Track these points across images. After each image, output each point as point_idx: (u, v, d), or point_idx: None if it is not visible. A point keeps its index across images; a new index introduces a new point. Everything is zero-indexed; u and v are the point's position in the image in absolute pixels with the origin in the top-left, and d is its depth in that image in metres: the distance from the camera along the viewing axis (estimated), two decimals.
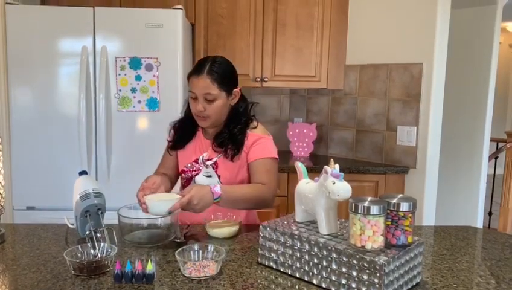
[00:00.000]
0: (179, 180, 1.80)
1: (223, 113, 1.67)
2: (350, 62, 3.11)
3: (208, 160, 1.69)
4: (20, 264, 1.25)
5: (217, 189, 1.47)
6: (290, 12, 3.02)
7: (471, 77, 3.66)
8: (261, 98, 3.49)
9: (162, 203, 1.40)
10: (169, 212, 1.40)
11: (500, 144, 4.28)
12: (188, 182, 1.72)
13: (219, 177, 1.67)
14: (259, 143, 1.67)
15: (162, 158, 1.84)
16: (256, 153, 1.66)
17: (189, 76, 1.64)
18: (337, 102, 3.25)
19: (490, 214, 4.40)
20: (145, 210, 1.42)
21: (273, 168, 1.69)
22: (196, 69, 1.62)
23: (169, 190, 1.66)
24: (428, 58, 2.78)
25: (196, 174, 1.70)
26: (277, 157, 1.71)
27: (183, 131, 1.76)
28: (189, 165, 1.72)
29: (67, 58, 2.48)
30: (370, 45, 3.02)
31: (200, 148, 1.73)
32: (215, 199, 1.46)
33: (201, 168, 1.70)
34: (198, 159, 1.70)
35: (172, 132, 1.79)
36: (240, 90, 1.70)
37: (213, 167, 1.68)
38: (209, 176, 1.68)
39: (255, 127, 1.71)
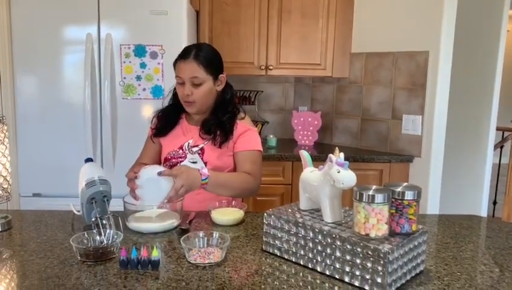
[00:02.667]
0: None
1: (209, 99, 1.69)
2: (355, 50, 3.09)
3: (193, 146, 1.69)
4: (27, 250, 1.26)
5: (205, 171, 1.51)
6: None
7: (477, 66, 3.62)
8: (265, 86, 3.48)
9: (155, 195, 1.45)
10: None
11: (506, 133, 4.26)
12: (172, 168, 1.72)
13: (205, 163, 1.68)
14: (247, 135, 1.71)
15: (144, 148, 1.84)
16: (243, 144, 1.70)
17: (176, 62, 1.67)
18: (342, 90, 3.23)
19: (495, 203, 4.40)
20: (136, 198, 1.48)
21: (258, 160, 1.73)
22: (182, 55, 1.66)
23: None
24: (435, 46, 2.75)
25: (181, 161, 1.70)
26: (262, 150, 1.75)
27: (167, 118, 1.77)
28: (173, 152, 1.72)
29: (71, 45, 2.48)
30: (375, 33, 2.99)
31: (185, 135, 1.73)
32: (203, 179, 1.49)
33: (187, 154, 1.70)
34: (183, 146, 1.71)
35: (155, 119, 1.80)
36: (225, 76, 1.73)
37: (199, 154, 1.69)
38: (195, 162, 1.69)
39: (243, 118, 1.75)
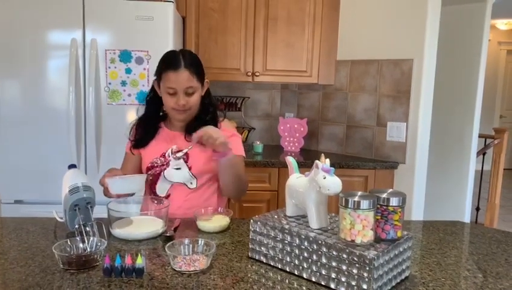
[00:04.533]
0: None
1: (198, 105, 1.69)
2: (341, 58, 3.12)
3: (177, 152, 1.67)
4: (8, 258, 1.24)
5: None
6: (281, 7, 3.01)
7: (460, 74, 3.69)
8: (252, 93, 3.48)
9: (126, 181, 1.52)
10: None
11: (488, 140, 4.34)
12: (156, 177, 1.69)
13: (190, 168, 1.67)
14: (233, 140, 1.69)
15: (124, 162, 1.80)
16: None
17: (163, 72, 1.61)
18: (328, 97, 3.26)
19: (478, 209, 4.46)
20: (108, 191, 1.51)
21: (243, 166, 1.75)
22: (171, 64, 1.60)
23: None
24: (419, 54, 2.79)
25: (164, 169, 1.68)
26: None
27: (146, 128, 1.73)
28: (155, 160, 1.69)
29: (56, 50, 2.45)
30: (361, 41, 3.03)
31: (168, 142, 1.70)
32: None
33: (169, 161, 1.68)
34: (165, 153, 1.68)
35: (133, 131, 1.75)
36: (208, 81, 1.74)
37: (184, 159, 1.67)
38: (179, 168, 1.67)
39: (222, 120, 1.76)
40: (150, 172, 1.70)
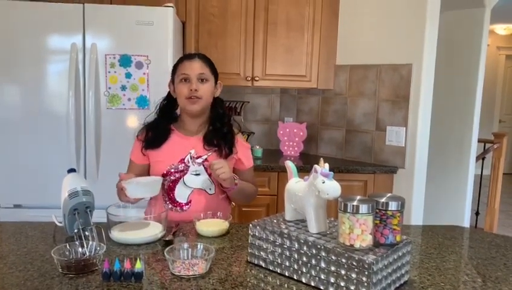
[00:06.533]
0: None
1: (210, 99, 1.73)
2: (340, 62, 3.12)
3: (197, 157, 1.68)
4: (6, 262, 1.23)
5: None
6: (281, 11, 3.03)
7: (459, 78, 3.70)
8: (252, 97, 3.49)
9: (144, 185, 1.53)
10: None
11: (488, 145, 4.34)
12: (174, 183, 1.68)
13: (209, 175, 1.67)
14: (248, 152, 1.82)
15: (128, 170, 1.75)
16: (247, 161, 1.81)
17: (178, 63, 1.72)
18: (327, 102, 3.26)
19: (477, 214, 4.46)
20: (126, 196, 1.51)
21: (253, 175, 1.88)
22: (186, 56, 1.74)
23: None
24: (418, 59, 2.80)
25: (183, 174, 1.67)
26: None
27: (158, 129, 1.72)
28: (174, 165, 1.68)
29: (56, 55, 2.46)
30: (360, 46, 3.04)
31: (183, 145, 1.69)
32: (235, 179, 1.63)
33: (189, 166, 1.67)
34: (184, 159, 1.67)
35: (143, 131, 1.74)
36: (221, 84, 1.80)
37: (203, 165, 1.67)
38: (198, 174, 1.67)
39: (238, 133, 1.80)
40: (167, 177, 1.68)
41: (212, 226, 1.49)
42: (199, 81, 1.66)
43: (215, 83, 1.74)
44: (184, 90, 1.66)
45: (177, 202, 1.68)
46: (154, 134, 1.71)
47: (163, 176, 1.68)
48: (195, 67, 1.67)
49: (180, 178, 1.68)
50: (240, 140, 1.78)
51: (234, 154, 1.71)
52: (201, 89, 1.66)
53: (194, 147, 1.68)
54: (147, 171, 1.74)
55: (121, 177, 1.55)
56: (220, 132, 1.70)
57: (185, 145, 1.69)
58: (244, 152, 1.78)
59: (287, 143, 3.28)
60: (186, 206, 1.68)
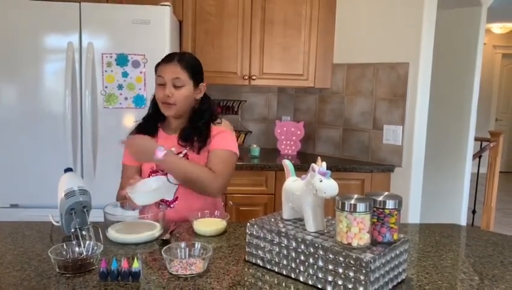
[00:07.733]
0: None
1: (187, 104, 1.69)
2: (337, 61, 3.13)
3: (176, 154, 1.67)
4: (3, 262, 1.23)
5: (160, 154, 1.53)
6: (278, 10, 3.03)
7: (456, 77, 3.71)
8: (249, 96, 3.49)
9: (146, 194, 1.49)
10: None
11: (484, 143, 4.35)
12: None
13: None
14: (221, 135, 1.69)
15: (123, 172, 1.77)
16: (216, 143, 1.67)
17: (158, 65, 1.69)
18: (325, 101, 3.26)
19: (474, 212, 4.47)
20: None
21: (229, 161, 1.69)
22: (165, 58, 1.69)
23: None
24: (415, 58, 2.80)
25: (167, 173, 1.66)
26: (237, 153, 1.73)
27: (145, 131, 1.72)
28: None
29: (52, 54, 2.45)
30: (357, 44, 3.04)
31: (165, 145, 1.65)
32: (159, 147, 1.54)
33: None
34: None
35: (134, 132, 1.74)
36: (205, 86, 1.74)
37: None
38: None
39: (219, 123, 1.74)
40: (157, 174, 1.69)
41: (210, 225, 1.49)
42: (173, 87, 1.63)
43: (197, 85, 1.69)
44: (159, 94, 1.66)
45: (164, 199, 1.68)
46: (142, 134, 1.72)
47: (150, 173, 1.70)
48: (171, 71, 1.63)
49: (166, 175, 1.67)
50: (217, 127, 1.71)
51: (207, 145, 1.68)
52: (175, 94, 1.63)
53: (175, 145, 1.69)
54: (141, 171, 1.75)
55: (129, 183, 1.54)
56: (195, 126, 1.68)
57: (167, 143, 1.69)
58: (218, 137, 1.69)
59: (284, 142, 3.28)
60: (173, 203, 1.68)
